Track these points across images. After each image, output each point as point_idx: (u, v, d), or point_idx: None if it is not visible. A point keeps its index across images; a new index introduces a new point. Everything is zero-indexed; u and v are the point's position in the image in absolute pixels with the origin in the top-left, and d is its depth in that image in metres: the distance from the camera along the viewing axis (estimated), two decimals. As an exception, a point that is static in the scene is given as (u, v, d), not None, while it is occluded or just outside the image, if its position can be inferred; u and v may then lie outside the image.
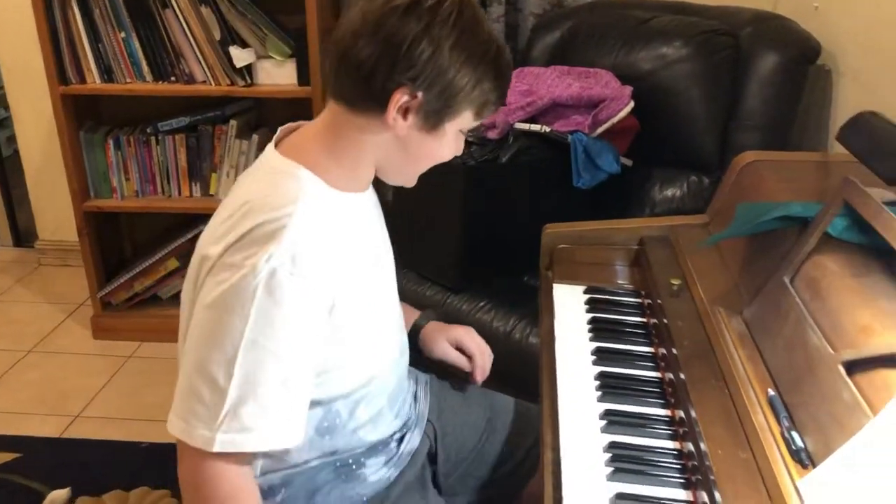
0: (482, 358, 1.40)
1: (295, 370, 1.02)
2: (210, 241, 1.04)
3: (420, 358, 1.41)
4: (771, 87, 2.16)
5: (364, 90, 1.02)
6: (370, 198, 1.19)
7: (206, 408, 0.99)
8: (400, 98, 1.01)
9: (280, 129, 1.16)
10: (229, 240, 1.01)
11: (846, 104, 2.15)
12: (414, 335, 1.40)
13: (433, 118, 1.04)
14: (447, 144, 1.09)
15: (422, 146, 1.08)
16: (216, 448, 0.98)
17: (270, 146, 1.12)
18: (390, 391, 1.24)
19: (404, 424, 1.29)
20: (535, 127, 2.09)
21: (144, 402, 2.49)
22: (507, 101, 2.17)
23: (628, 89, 2.17)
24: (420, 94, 1.01)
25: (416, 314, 1.44)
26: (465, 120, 1.07)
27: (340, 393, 1.14)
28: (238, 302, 0.98)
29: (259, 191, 1.05)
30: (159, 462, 2.17)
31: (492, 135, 2.07)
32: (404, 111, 1.02)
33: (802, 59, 2.16)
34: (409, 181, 1.16)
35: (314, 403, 1.13)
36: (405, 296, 1.37)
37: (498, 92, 1.08)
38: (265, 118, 2.80)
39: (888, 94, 1.98)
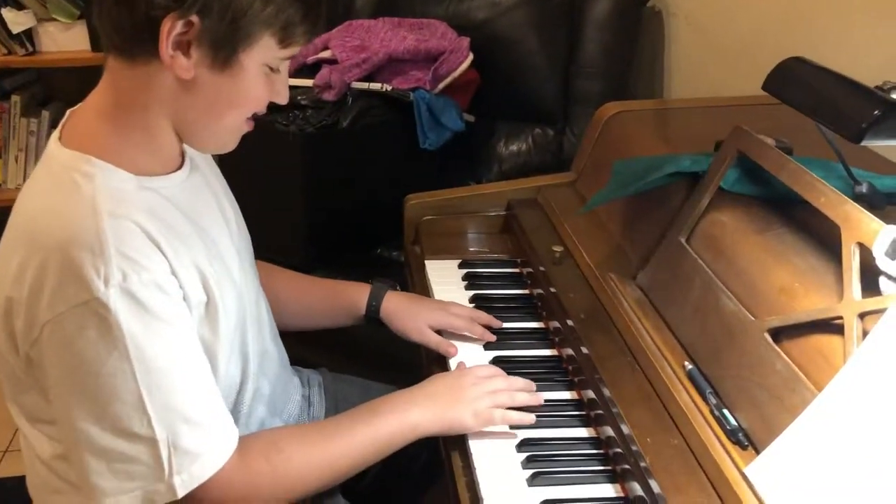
0: (478, 330, 1.18)
1: (197, 370, 0.88)
2: (10, 278, 0.83)
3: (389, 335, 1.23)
4: (607, 32, 2.12)
5: (130, 27, 0.82)
6: (192, 177, 0.97)
7: (143, 465, 0.84)
8: (172, 27, 0.80)
9: (68, 113, 0.93)
10: (37, 281, 0.80)
11: (679, 46, 2.15)
12: (373, 311, 1.22)
13: (223, 49, 0.83)
14: (252, 85, 0.87)
15: (217, 90, 0.86)
16: (181, 493, 0.86)
17: (54, 137, 0.90)
18: (267, 396, 1.08)
19: None
20: (375, 85, 1.93)
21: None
22: (340, 59, 1.99)
23: (465, 40, 2.06)
24: (196, 20, 0.81)
25: (359, 289, 1.24)
26: (267, 49, 0.86)
27: None
28: (107, 345, 0.80)
29: (48, 205, 0.85)
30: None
31: (328, 96, 1.88)
32: (185, 45, 0.82)
33: (635, 0, 2.13)
34: (223, 142, 0.94)
35: None
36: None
37: (301, 7, 0.86)
38: (55, 91, 2.44)
39: (719, 33, 1.99)
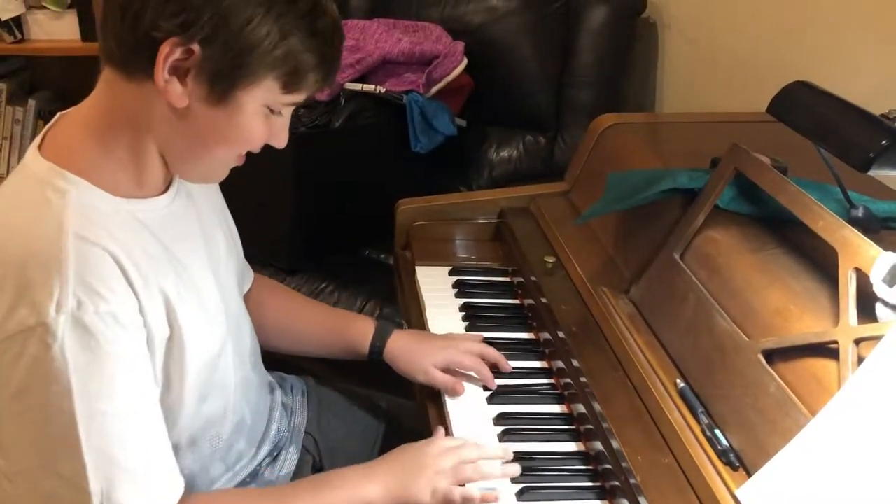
0: (486, 370, 1.11)
1: (145, 416, 0.82)
2: None
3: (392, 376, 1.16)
4: (602, 41, 2.12)
5: (131, 42, 0.78)
6: (177, 202, 0.92)
7: None
8: (170, 52, 0.77)
9: (57, 116, 0.88)
10: None
11: (673, 58, 2.16)
12: (376, 352, 1.15)
13: (221, 83, 0.79)
14: (247, 124, 0.83)
15: (210, 123, 0.82)
16: None
17: (34, 144, 0.85)
18: (248, 427, 1.04)
19: (274, 447, 1.11)
20: (369, 87, 1.91)
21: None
22: (334, 59, 1.98)
23: (460, 45, 2.06)
24: (197, 49, 0.77)
25: (364, 326, 1.17)
26: (267, 91, 0.81)
27: (180, 442, 0.93)
28: (48, 377, 0.75)
29: (13, 219, 0.80)
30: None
31: (321, 96, 1.87)
32: (183, 73, 0.78)
33: (630, 11, 2.14)
34: (210, 174, 0.90)
35: None
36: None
37: (315, 56, 0.81)
38: (43, 80, 2.40)
39: (713, 47, 2.00)
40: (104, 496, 0.78)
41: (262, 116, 0.84)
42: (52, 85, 2.36)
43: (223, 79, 0.79)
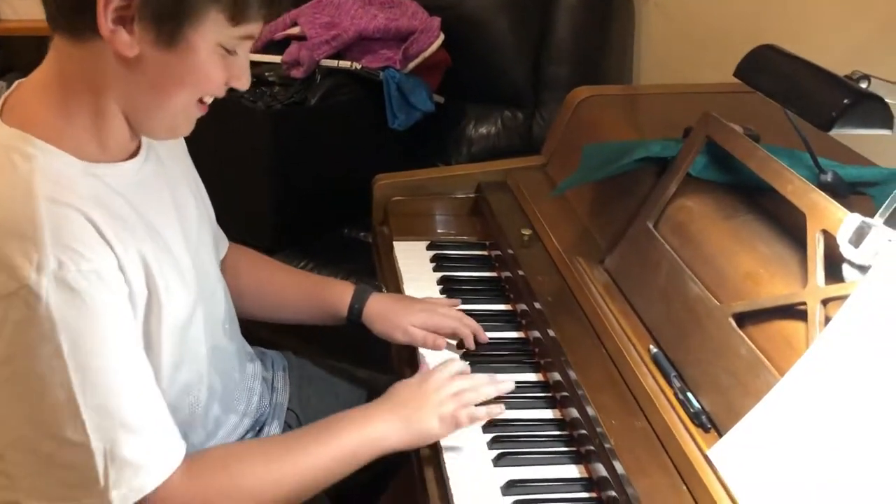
0: (466, 329, 1.13)
1: (139, 371, 0.82)
2: None
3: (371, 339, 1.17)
4: (578, 16, 2.12)
5: (70, 1, 0.77)
6: (146, 167, 0.91)
7: (77, 473, 0.78)
8: (109, 1, 0.75)
9: (15, 84, 0.87)
10: None
11: (650, 33, 2.16)
12: (354, 315, 1.16)
13: (166, 24, 0.78)
14: (203, 65, 0.81)
15: (165, 68, 0.80)
16: None
17: None
18: (220, 392, 1.04)
19: (255, 421, 1.11)
20: (345, 64, 1.91)
21: None
22: (309, 35, 1.96)
23: (436, 20, 2.05)
24: None
25: (342, 289, 1.17)
26: (218, 26, 0.80)
27: None
28: (36, 339, 0.75)
29: None
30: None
31: (296, 74, 1.86)
32: (128, 21, 0.77)
33: (606, -14, 2.14)
34: (173, 125, 0.88)
35: None
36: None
37: None
38: (14, 61, 2.38)
39: (688, 20, 2.01)
40: (108, 455, 0.78)
41: (218, 57, 0.83)
42: (23, 65, 2.32)
43: (168, 19, 0.78)
